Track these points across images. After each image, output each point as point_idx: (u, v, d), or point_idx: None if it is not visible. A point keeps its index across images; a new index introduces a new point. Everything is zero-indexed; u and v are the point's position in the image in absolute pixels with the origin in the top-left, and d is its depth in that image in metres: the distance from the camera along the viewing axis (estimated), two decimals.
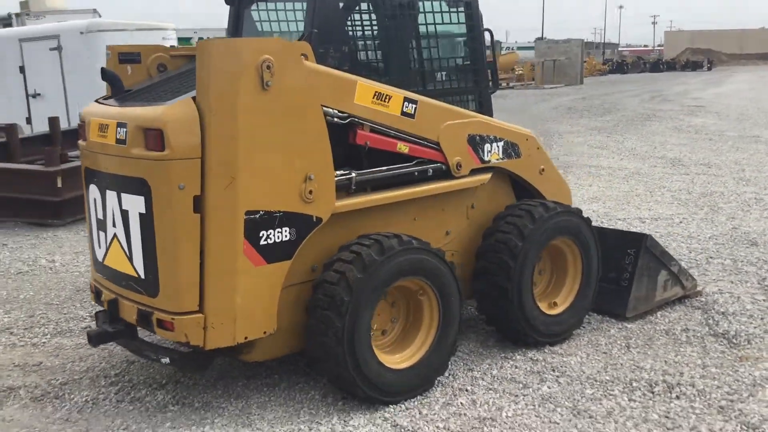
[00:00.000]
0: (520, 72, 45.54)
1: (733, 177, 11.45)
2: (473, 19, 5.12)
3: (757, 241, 7.56)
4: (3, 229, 9.23)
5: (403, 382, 4.33)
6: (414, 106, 4.57)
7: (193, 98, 3.84)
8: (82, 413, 4.33)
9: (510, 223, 4.89)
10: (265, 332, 4.08)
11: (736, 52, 78.98)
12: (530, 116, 22.52)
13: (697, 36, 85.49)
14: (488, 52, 5.30)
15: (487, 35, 5.24)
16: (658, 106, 25.10)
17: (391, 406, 4.25)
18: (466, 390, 4.46)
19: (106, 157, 4.16)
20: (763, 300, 5.82)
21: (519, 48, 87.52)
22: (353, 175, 4.37)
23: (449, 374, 4.66)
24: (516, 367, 4.75)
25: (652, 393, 4.35)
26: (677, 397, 4.29)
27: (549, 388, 4.45)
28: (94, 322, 4.62)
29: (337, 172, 4.28)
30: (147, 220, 3.92)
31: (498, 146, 5.04)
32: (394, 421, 4.09)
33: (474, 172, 4.94)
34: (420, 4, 4.94)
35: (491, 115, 5.26)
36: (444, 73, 5.12)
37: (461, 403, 4.29)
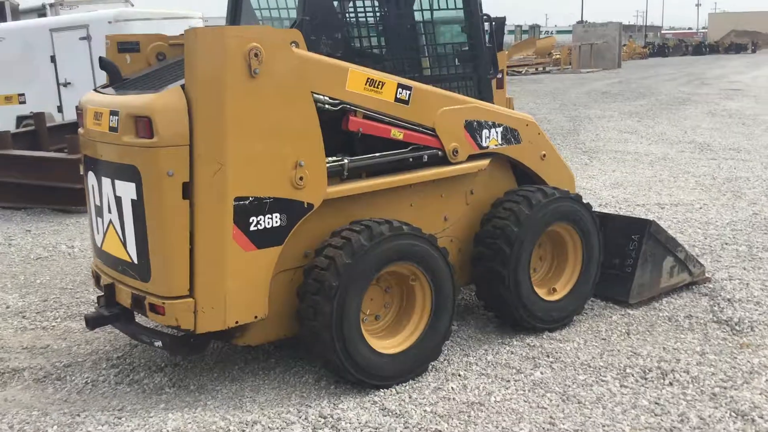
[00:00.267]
0: (557, 56, 45.05)
1: (761, 162, 11.24)
2: (471, 4, 5.10)
3: None
4: (29, 215, 9.45)
5: (395, 366, 4.36)
6: (408, 92, 4.57)
7: (182, 86, 3.90)
8: (81, 394, 4.45)
9: (507, 209, 4.88)
10: (256, 317, 4.14)
11: None
12: (562, 101, 22.32)
13: (741, 18, 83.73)
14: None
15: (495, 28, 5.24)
16: (694, 90, 24.67)
17: (382, 390, 4.29)
18: (459, 375, 4.47)
19: (101, 144, 4.25)
20: None
21: (558, 32, 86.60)
22: (345, 161, 4.40)
23: (444, 359, 4.68)
24: (512, 353, 4.75)
25: (645, 379, 4.32)
26: (670, 384, 4.26)
27: (542, 373, 4.45)
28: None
29: (329, 159, 4.31)
30: (138, 207, 4.00)
31: (497, 132, 5.02)
32: (383, 404, 4.13)
33: (472, 158, 4.93)
34: None
35: (491, 101, 5.24)
36: (442, 58, 5.10)
37: (452, 387, 4.31)
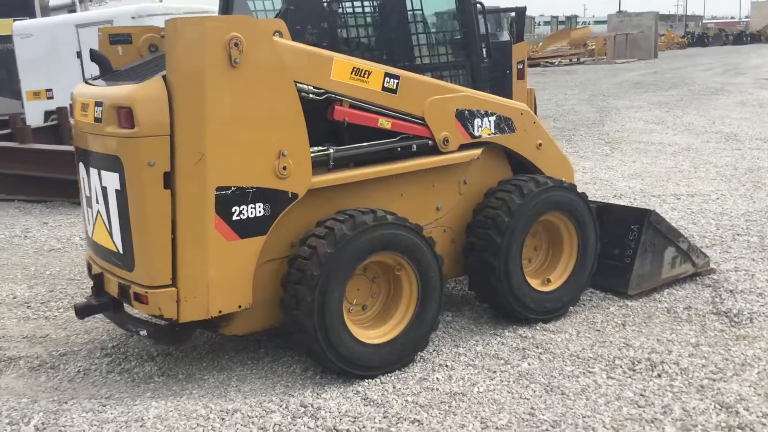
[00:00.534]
0: (592, 47, 44.51)
1: None
2: None
3: None
4: (48, 208, 9.61)
5: (380, 356, 4.35)
6: (396, 81, 4.54)
7: (164, 77, 3.93)
8: (72, 383, 4.52)
9: (499, 199, 4.83)
10: (240, 306, 4.15)
11: None
12: (592, 92, 22.06)
13: None
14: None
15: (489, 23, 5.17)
16: (729, 80, 24.19)
17: (366, 380, 4.28)
18: (446, 366, 4.45)
19: (89, 135, 4.30)
20: None
21: (596, 23, 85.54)
22: (331, 151, 4.39)
23: (434, 350, 4.65)
24: (502, 344, 4.71)
25: (633, 371, 4.25)
26: (658, 376, 4.19)
27: (529, 364, 4.40)
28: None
29: (315, 148, 4.30)
30: (122, 197, 4.04)
31: (489, 121, 4.97)
32: (365, 394, 4.12)
33: (464, 147, 4.89)
34: None
35: (487, 90, 5.18)
36: (433, 47, 5.07)
37: (437, 378, 4.29)
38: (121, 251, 4.15)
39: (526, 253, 5.10)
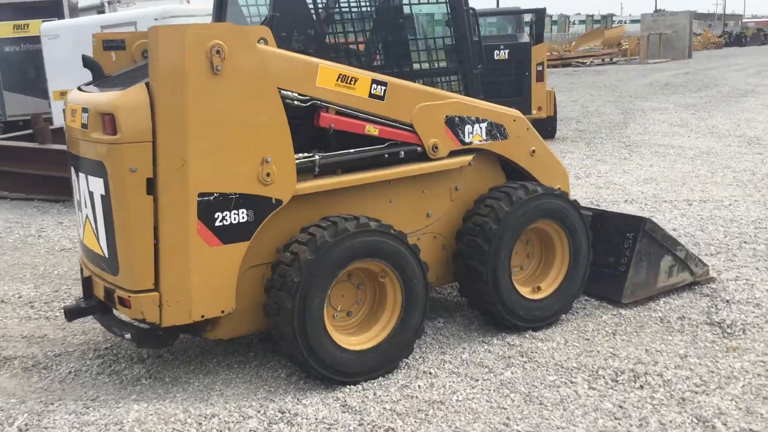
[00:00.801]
0: (626, 47, 44.01)
1: None
2: None
3: None
4: (65, 208, 9.76)
5: (363, 363, 4.36)
6: (383, 88, 4.55)
7: (147, 83, 3.98)
8: (62, 383, 4.59)
9: (488, 206, 4.82)
10: (223, 311, 4.19)
11: None
12: (620, 93, 21.83)
13: None
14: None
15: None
16: (761, 81, 23.81)
17: (348, 386, 4.29)
18: (430, 373, 4.44)
19: (77, 141, 4.36)
20: None
21: (632, 21, 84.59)
22: (316, 157, 4.41)
23: (420, 357, 4.66)
24: (489, 352, 4.70)
25: (616, 382, 4.22)
26: (640, 387, 4.14)
27: (512, 373, 4.38)
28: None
29: (300, 155, 4.33)
30: (107, 201, 4.10)
31: (481, 127, 4.95)
32: (345, 401, 4.13)
33: (454, 153, 4.89)
34: None
35: (479, 96, 5.16)
36: (423, 54, 5.06)
37: (419, 385, 4.29)
38: (106, 255, 4.22)
39: (518, 260, 5.10)
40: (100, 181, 4.11)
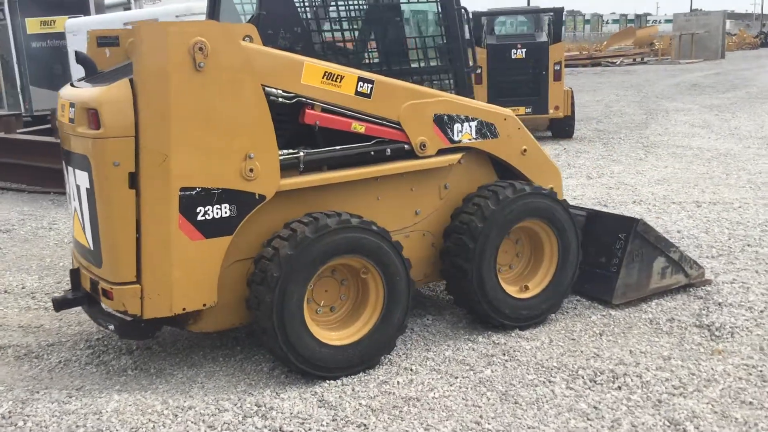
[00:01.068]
0: (658, 46, 43.49)
1: None
2: None
3: None
4: None
5: (343, 358, 4.38)
6: (370, 85, 4.57)
7: (131, 79, 4.04)
8: (51, 373, 4.68)
9: (475, 204, 4.82)
10: (204, 304, 4.24)
11: None
12: (646, 93, 21.61)
13: None
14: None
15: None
16: None
17: (328, 381, 4.32)
18: (411, 369, 4.46)
19: (67, 135, 4.45)
20: None
21: (666, 21, 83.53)
22: (301, 154, 4.44)
23: (403, 353, 4.68)
24: (473, 350, 4.70)
25: (594, 382, 4.20)
26: (618, 388, 4.12)
27: (492, 371, 4.38)
28: None
29: (284, 151, 4.37)
30: (91, 195, 4.17)
31: (470, 126, 4.95)
32: (323, 396, 4.16)
33: (443, 152, 4.89)
34: None
35: (470, 95, 5.16)
36: (414, 52, 5.07)
37: (398, 382, 4.31)
38: (91, 247, 4.29)
39: (506, 259, 5.09)
40: (86, 174, 4.18)
